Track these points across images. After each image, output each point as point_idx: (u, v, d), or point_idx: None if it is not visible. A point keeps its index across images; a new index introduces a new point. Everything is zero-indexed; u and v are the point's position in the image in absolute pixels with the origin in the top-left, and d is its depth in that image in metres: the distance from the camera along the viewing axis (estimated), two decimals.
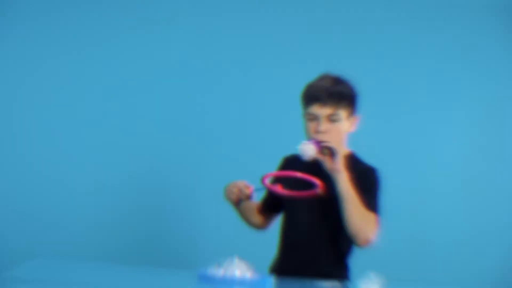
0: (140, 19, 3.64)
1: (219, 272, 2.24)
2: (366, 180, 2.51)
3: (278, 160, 2.74)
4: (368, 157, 2.62)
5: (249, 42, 3.66)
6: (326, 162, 2.47)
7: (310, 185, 2.47)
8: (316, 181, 2.44)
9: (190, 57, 3.65)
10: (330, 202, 2.50)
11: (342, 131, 2.52)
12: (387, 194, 2.76)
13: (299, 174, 2.48)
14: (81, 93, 3.63)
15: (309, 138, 2.50)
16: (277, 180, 2.63)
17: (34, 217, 3.58)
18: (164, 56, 3.65)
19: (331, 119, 2.49)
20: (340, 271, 2.59)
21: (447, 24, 3.68)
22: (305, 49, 3.65)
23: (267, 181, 2.55)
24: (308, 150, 2.45)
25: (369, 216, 2.45)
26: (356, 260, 2.62)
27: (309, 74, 2.61)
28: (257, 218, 2.76)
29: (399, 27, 3.68)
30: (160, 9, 3.64)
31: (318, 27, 3.66)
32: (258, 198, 2.69)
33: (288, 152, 2.67)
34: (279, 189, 2.55)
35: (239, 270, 2.24)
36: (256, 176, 2.56)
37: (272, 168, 2.68)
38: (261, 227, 2.79)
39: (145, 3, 3.64)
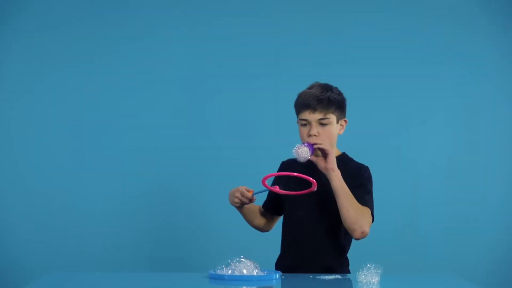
0: (142, 30, 3.66)
1: (228, 271, 2.31)
2: (359, 177, 2.63)
3: (276, 164, 2.85)
4: (361, 156, 2.72)
5: (248, 53, 3.69)
6: (320, 162, 2.59)
7: (306, 185, 2.57)
8: (311, 179, 2.53)
9: (193, 67, 3.67)
10: (327, 199, 2.61)
11: (333, 134, 2.63)
12: (383, 189, 2.86)
13: (295, 174, 2.57)
14: (88, 104, 3.63)
15: (303, 142, 2.61)
16: (276, 182, 2.73)
17: (46, 231, 3.57)
18: (168, 67, 3.67)
19: (322, 123, 2.60)
20: (341, 264, 2.67)
21: (433, 20, 3.71)
22: (301, 59, 3.69)
23: (267, 183, 2.62)
24: (302, 153, 2.55)
25: (363, 209, 2.56)
26: (355, 252, 2.71)
27: (303, 82, 2.72)
28: (260, 220, 2.86)
29: (384, 26, 3.70)
30: (162, 20, 3.67)
31: (310, 39, 3.70)
32: (259, 200, 2.76)
33: (286, 156, 2.77)
34: (277, 189, 2.62)
35: (246, 268, 2.31)
36: (258, 180, 2.63)
37: (271, 171, 2.74)
38: (265, 228, 2.88)
39: (147, 13, 3.66)
